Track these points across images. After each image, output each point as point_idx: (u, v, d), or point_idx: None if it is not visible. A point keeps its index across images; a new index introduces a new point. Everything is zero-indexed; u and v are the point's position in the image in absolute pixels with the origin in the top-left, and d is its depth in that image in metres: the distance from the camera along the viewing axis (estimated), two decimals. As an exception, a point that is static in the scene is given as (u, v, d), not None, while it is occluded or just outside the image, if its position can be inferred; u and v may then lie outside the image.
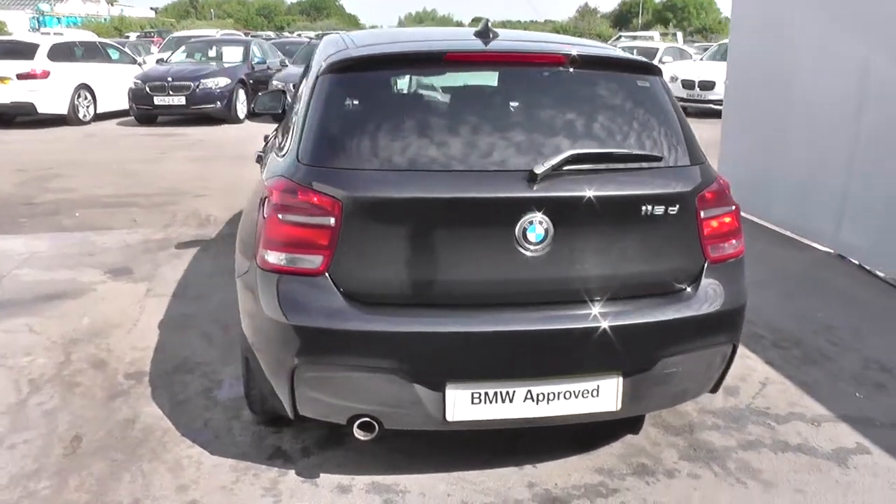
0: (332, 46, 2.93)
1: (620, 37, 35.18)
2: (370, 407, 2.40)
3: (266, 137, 4.52)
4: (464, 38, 2.84)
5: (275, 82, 12.90)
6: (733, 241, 2.61)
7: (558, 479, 2.71)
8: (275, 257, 2.39)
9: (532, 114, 2.53)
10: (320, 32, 38.59)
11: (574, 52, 2.58)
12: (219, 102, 12.48)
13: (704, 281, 2.55)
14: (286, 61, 14.92)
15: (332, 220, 2.30)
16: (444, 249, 2.35)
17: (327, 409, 2.46)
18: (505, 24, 79.97)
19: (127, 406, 3.19)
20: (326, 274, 2.34)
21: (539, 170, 2.32)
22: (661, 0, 79.87)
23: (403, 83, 2.57)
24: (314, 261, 2.34)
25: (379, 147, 2.42)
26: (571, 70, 2.57)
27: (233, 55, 13.77)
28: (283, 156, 2.67)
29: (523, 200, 2.32)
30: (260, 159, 4.38)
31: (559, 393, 2.39)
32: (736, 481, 2.73)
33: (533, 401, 2.39)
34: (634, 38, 33.27)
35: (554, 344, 2.37)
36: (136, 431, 2.99)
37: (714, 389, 2.75)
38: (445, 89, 2.55)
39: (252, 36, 24.01)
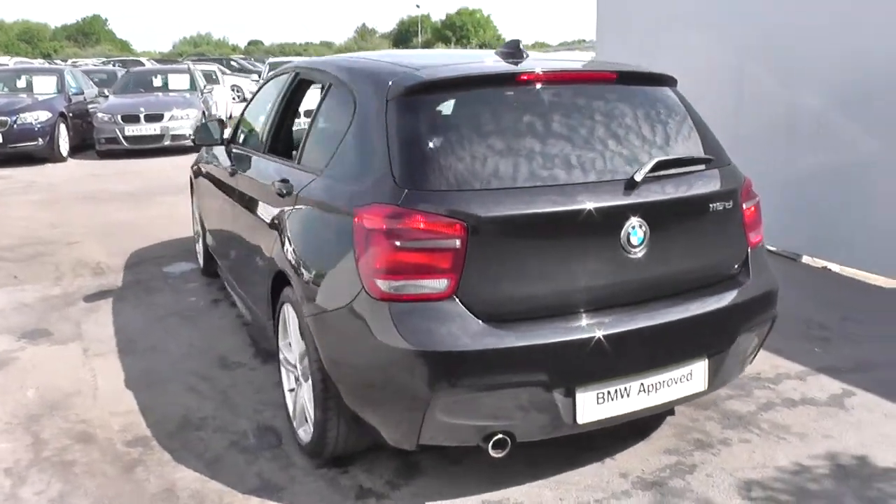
0: (372, 71, 2.87)
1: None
2: (506, 422, 2.38)
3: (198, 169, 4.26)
4: (501, 59, 2.88)
5: (100, 115, 11.87)
6: (759, 228, 2.91)
7: (641, 465, 2.84)
8: (395, 285, 2.30)
9: (602, 127, 2.64)
10: (109, 59, 35.68)
11: (616, 70, 2.77)
12: (41, 139, 11.16)
13: (752, 264, 2.82)
14: (105, 91, 13.76)
15: (458, 242, 2.27)
16: (561, 260, 2.41)
17: (459, 432, 2.40)
18: (283, 48, 79.14)
19: (154, 476, 2.87)
20: (454, 296, 2.29)
21: (638, 177, 2.46)
22: (440, 19, 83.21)
23: (484, 103, 2.56)
24: (441, 284, 2.29)
25: (486, 166, 2.42)
26: (620, 85, 2.74)
27: (46, 86, 12.42)
28: (345, 181, 2.59)
29: (627, 207, 2.46)
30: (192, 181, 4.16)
31: (664, 381, 2.53)
32: (778, 438, 3.03)
33: (645, 392, 2.50)
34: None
35: (660, 337, 2.50)
36: (187, 499, 2.71)
37: (754, 358, 3.03)
38: (524, 108, 2.59)
39: (51, 63, 21.74)
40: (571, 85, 2.69)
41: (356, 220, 2.39)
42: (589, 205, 2.41)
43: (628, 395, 2.47)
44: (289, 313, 2.91)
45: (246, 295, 3.74)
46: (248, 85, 24.61)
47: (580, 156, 2.53)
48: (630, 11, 6.95)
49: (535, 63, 2.77)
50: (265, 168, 3.48)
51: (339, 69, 3.06)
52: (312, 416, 2.74)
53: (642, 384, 2.49)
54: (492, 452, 2.42)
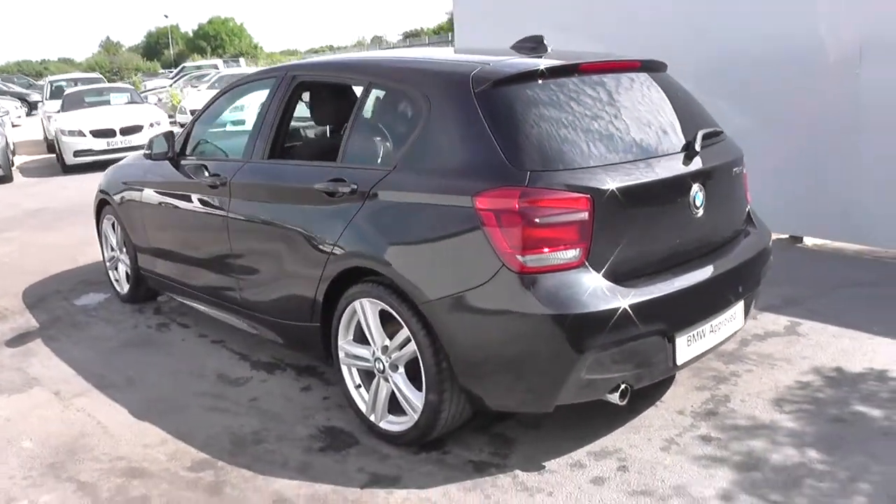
0: (437, 69, 3.02)
1: (184, 67, 34.53)
2: (630, 372, 2.68)
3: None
4: (526, 54, 3.16)
5: None
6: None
7: (686, 402, 3.27)
8: (535, 259, 2.51)
9: (647, 107, 3.02)
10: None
11: (639, 59, 3.18)
12: None
13: (753, 218, 3.40)
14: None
15: (586, 215, 2.54)
16: (656, 222, 2.81)
17: (592, 387, 2.65)
18: (21, 65, 71.08)
19: (251, 490, 2.79)
20: (586, 263, 2.56)
21: (698, 148, 2.89)
22: (192, 29, 79.61)
23: (559, 92, 2.81)
24: (575, 254, 2.54)
25: (583, 146, 2.69)
26: (643, 73, 3.16)
27: None
28: (439, 172, 2.74)
29: (694, 173, 2.90)
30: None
31: (722, 321, 2.98)
32: (771, 365, 3.61)
33: (713, 332, 2.94)
34: (199, 67, 33.00)
35: (722, 283, 2.96)
36: (305, 502, 2.70)
37: None
38: (590, 94, 2.88)
39: None
40: (615, 73, 3.04)
41: (480, 204, 2.56)
42: (672, 173, 2.82)
43: (703, 336, 2.89)
44: (366, 308, 2.97)
45: (260, 308, 3.64)
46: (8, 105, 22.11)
47: (645, 132, 2.91)
48: (486, 9, 7.47)
49: (571, 55, 3.09)
50: (285, 173, 3.44)
51: (387, 70, 3.16)
52: (418, 402, 2.84)
53: (711, 325, 2.92)
54: (619, 401, 2.71)
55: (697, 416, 3.16)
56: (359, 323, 3.06)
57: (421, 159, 2.84)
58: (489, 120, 2.67)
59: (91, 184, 10.39)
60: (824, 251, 5.46)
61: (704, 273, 2.90)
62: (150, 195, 4.40)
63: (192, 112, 15.81)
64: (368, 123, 3.23)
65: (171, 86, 26.58)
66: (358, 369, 3.15)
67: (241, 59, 45.23)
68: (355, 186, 2.98)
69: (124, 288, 5.01)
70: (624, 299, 2.58)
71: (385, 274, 2.84)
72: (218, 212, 3.76)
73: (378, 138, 3.15)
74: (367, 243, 2.92)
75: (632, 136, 2.88)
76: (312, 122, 4.21)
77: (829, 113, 5.15)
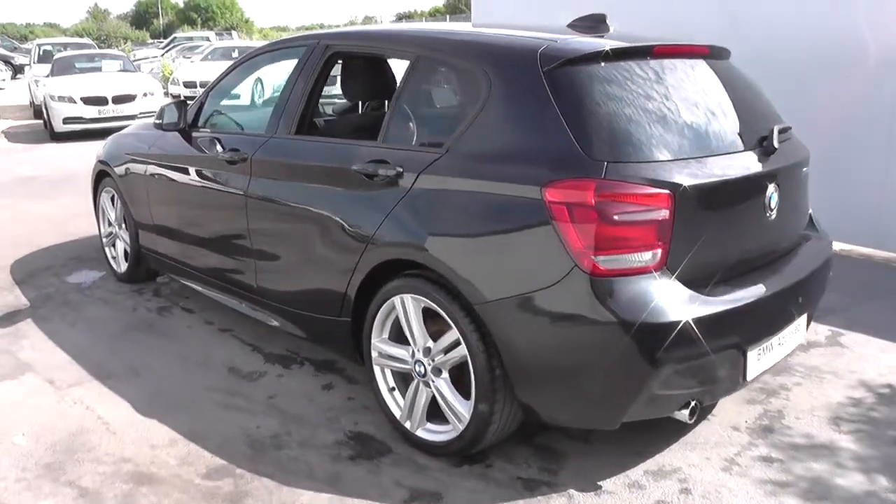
0: (499, 44, 2.71)
1: (175, 38, 33.78)
2: (703, 388, 2.43)
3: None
4: (584, 33, 2.86)
5: None
6: None
7: (739, 417, 3.02)
8: (611, 260, 2.24)
9: (720, 97, 2.74)
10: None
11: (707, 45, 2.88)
12: None
13: (816, 224, 3.14)
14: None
15: (667, 213, 2.27)
16: (733, 223, 2.55)
17: (662, 404, 2.40)
18: (5, 28, 69.60)
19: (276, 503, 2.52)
20: (665, 266, 2.29)
21: (777, 145, 2.62)
22: (184, 1, 78.33)
23: (632, 75, 2.52)
24: (653, 256, 2.28)
25: (660, 137, 2.43)
26: (712, 59, 2.87)
27: None
28: (500, 157, 2.45)
29: (770, 173, 2.64)
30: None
31: (787, 335, 2.72)
32: (819, 378, 3.37)
33: (780, 345, 2.68)
34: (191, 39, 32.30)
35: (793, 291, 2.70)
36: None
37: None
38: (664, 80, 2.61)
39: None
40: (685, 59, 2.75)
41: (551, 196, 2.28)
42: (750, 171, 2.56)
43: (771, 350, 2.63)
44: (407, 305, 2.68)
45: (279, 298, 3.34)
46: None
47: (721, 125, 2.65)
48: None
49: (635, 37, 2.80)
50: (316, 151, 3.12)
51: (441, 43, 2.82)
52: (464, 411, 2.57)
53: (779, 338, 2.66)
54: (687, 420, 2.45)
55: (754, 433, 2.91)
56: (396, 320, 2.78)
57: (479, 143, 2.54)
58: (560, 102, 2.39)
59: (82, 152, 10.09)
60: (852, 257, 5.23)
61: (777, 281, 2.65)
62: (156, 169, 4.07)
63: (186, 84, 15.44)
64: (416, 101, 2.92)
65: (161, 56, 25.96)
66: (393, 371, 2.86)
67: (234, 32, 44.43)
68: (400, 169, 2.67)
69: (122, 266, 4.68)
70: (704, 308, 2.32)
71: (433, 268, 2.56)
72: (235, 190, 3.44)
73: (427, 118, 2.85)
74: (412, 233, 2.63)
75: (708, 129, 2.62)
76: (343, 97, 3.90)
77: (863, 115, 4.89)
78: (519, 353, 2.41)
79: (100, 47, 26.62)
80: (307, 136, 3.25)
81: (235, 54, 17.42)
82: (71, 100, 11.47)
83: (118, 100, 11.68)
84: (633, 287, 2.26)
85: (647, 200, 2.27)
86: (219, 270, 3.74)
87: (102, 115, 11.54)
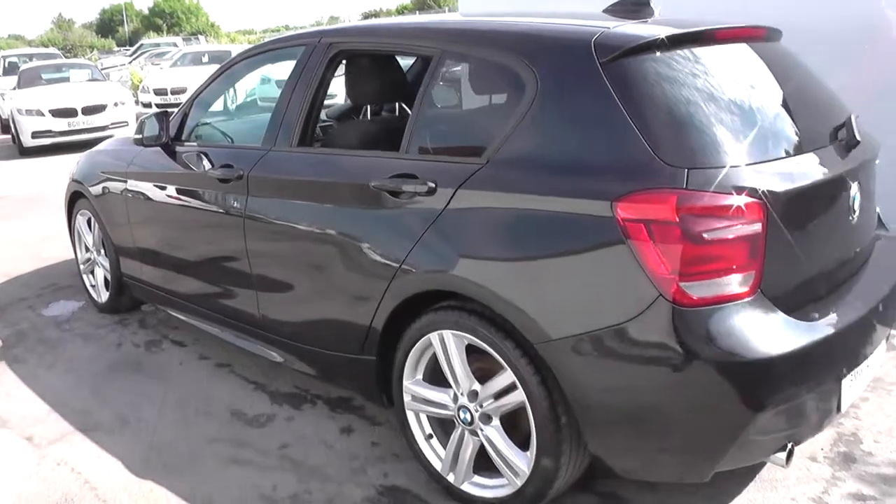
0: (542, 33, 2.32)
1: (142, 44, 33.07)
2: (800, 427, 2.07)
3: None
4: (623, 17, 2.48)
5: None
6: None
7: (814, 446, 2.68)
8: (700, 286, 1.87)
9: (787, 85, 2.38)
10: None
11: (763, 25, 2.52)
12: None
13: (884, 221, 2.79)
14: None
15: (759, 226, 1.92)
16: (822, 232, 2.20)
17: (758, 449, 2.04)
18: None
19: None
20: (760, 290, 1.94)
21: (859, 138, 2.29)
22: (148, 6, 77.39)
23: (699, 65, 2.17)
24: (746, 279, 1.92)
25: (739, 136, 2.07)
26: (770, 43, 2.51)
27: None
28: (555, 166, 2.08)
29: (853, 170, 2.31)
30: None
31: (870, 359, 2.36)
32: (885, 391, 3.04)
33: (868, 367, 2.32)
34: (157, 45, 31.64)
35: (883, 307, 2.35)
36: None
37: None
38: (729, 68, 2.26)
39: None
40: (744, 43, 2.39)
41: (625, 211, 1.90)
42: (836, 170, 2.22)
43: (861, 374, 2.28)
44: (448, 343, 2.30)
45: (287, 332, 2.94)
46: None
47: (795, 118, 2.29)
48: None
49: (685, 21, 2.43)
50: (325, 165, 2.72)
51: (471, 35, 2.43)
52: (523, 465, 2.19)
53: (867, 363, 2.31)
54: (783, 465, 2.09)
55: (835, 464, 2.57)
56: (432, 359, 2.40)
57: (527, 151, 2.16)
58: (624, 99, 2.01)
59: (54, 168, 9.56)
60: None
61: (866, 295, 2.31)
62: (137, 188, 3.63)
63: (156, 91, 14.91)
64: (443, 104, 2.55)
65: (129, 63, 25.31)
66: (429, 416, 2.48)
67: (202, 37, 43.64)
68: (432, 185, 2.28)
69: (102, 296, 4.24)
70: (806, 337, 1.97)
71: (480, 300, 2.17)
72: (230, 211, 3.03)
73: (459, 123, 2.47)
74: (452, 260, 2.24)
75: (786, 123, 2.28)
76: (349, 103, 3.51)
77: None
78: (591, 400, 2.04)
79: (66, 57, 25.91)
80: (312, 149, 2.86)
81: (205, 59, 16.96)
82: (39, 113, 10.93)
83: (88, 111, 11.16)
84: (726, 317, 1.89)
85: (739, 212, 1.90)
86: (213, 301, 3.33)
87: (73, 128, 11.01)
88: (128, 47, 44.61)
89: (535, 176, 2.11)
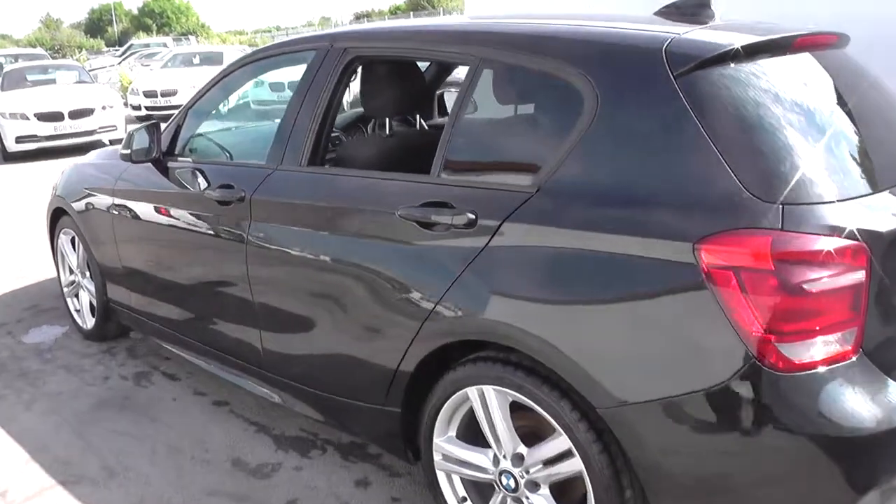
0: (603, 40, 1.99)
1: (131, 45, 32.57)
2: None
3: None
4: (677, 21, 2.16)
5: None
6: None
7: None
8: (804, 347, 1.57)
9: (868, 99, 2.05)
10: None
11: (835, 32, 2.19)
12: None
13: None
14: None
15: (863, 274, 1.61)
16: None
17: None
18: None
19: None
20: (861, 349, 1.63)
21: None
22: (137, 6, 76.90)
23: (780, 79, 1.86)
24: (850, 336, 1.61)
25: (837, 163, 1.79)
26: (840, 50, 2.18)
27: None
28: (622, 199, 1.76)
29: None
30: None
31: None
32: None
33: None
34: (147, 45, 31.17)
35: None
36: None
37: None
38: (810, 83, 1.94)
39: None
40: (819, 51, 2.06)
41: (710, 256, 1.59)
42: None
43: None
44: (489, 399, 1.98)
45: (295, 374, 2.62)
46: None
47: (884, 143, 1.97)
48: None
49: (754, 27, 2.11)
50: (342, 189, 2.39)
51: (515, 40, 2.09)
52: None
53: None
54: None
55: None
56: (469, 413, 2.08)
57: (585, 178, 1.84)
58: (704, 119, 1.70)
59: (38, 174, 9.16)
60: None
61: None
62: (125, 207, 3.29)
63: (146, 93, 14.49)
64: (483, 120, 2.21)
65: (118, 64, 24.85)
66: (463, 478, 2.16)
67: (192, 37, 43.13)
68: (472, 216, 1.96)
69: (88, 322, 3.89)
70: None
71: (530, 354, 1.86)
72: (230, 237, 2.70)
73: (502, 143, 2.13)
74: (497, 304, 1.91)
75: (874, 149, 1.95)
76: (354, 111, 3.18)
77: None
78: (664, 474, 1.72)
79: (53, 58, 25.42)
80: (325, 169, 2.53)
81: (197, 60, 16.54)
82: (24, 116, 10.52)
83: (75, 114, 10.75)
84: (828, 383, 1.58)
85: (842, 258, 1.59)
86: (209, 335, 2.99)
87: (59, 132, 10.61)
88: (117, 48, 44.09)
89: (597, 209, 1.79)
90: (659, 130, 1.76)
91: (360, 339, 2.31)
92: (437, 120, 3.47)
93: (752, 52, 1.85)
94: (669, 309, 1.66)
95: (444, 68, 3.48)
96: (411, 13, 42.47)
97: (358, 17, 55.67)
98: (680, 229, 1.65)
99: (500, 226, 1.91)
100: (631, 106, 1.81)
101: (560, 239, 1.81)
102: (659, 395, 1.67)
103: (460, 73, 3.70)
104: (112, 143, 10.93)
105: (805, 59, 2.00)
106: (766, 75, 1.85)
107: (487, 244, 1.93)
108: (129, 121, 12.13)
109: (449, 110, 3.15)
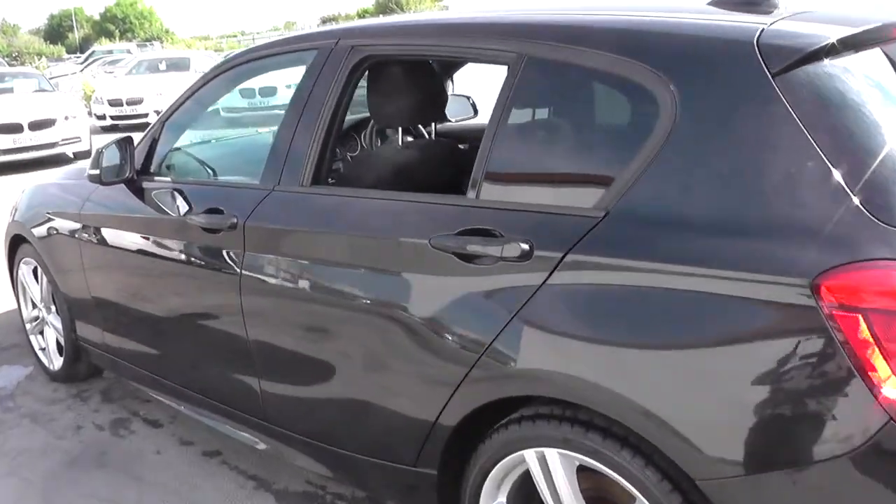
0: (679, 33, 1.65)
1: (94, 51, 31.81)
2: None
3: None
4: (733, 11, 1.82)
5: None
6: None
7: None
8: None
9: None
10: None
11: None
12: None
13: None
14: None
15: None
16: None
17: None
18: None
19: None
20: None
21: None
22: (100, 12, 75.64)
23: (875, 76, 1.55)
24: None
25: None
26: None
27: None
28: (714, 226, 1.43)
29: None
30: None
31: None
32: None
33: None
34: (111, 52, 30.47)
35: None
36: None
37: None
38: (889, 81, 1.63)
39: None
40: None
41: (831, 295, 1.28)
42: None
43: None
44: (551, 464, 1.64)
45: (303, 428, 2.24)
46: None
47: None
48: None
49: (825, 15, 1.79)
50: (356, 213, 2.02)
51: (569, 32, 1.74)
52: None
53: None
54: None
55: None
56: (523, 475, 1.73)
57: (665, 200, 1.50)
58: (812, 129, 1.39)
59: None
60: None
61: None
62: (94, 233, 2.89)
63: (111, 102, 13.92)
64: (533, 130, 1.84)
65: (80, 71, 24.14)
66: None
67: (157, 43, 42.31)
68: (526, 246, 1.60)
69: (55, 362, 3.47)
70: None
71: (607, 414, 1.52)
72: (221, 270, 2.32)
73: (558, 158, 1.77)
74: (563, 354, 1.57)
75: None
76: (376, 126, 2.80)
77: None
78: None
79: (11, 65, 24.63)
80: (332, 189, 2.16)
81: (163, 66, 15.99)
82: (-21, 130, 9.96)
83: (35, 126, 10.17)
84: None
85: None
86: (199, 380, 2.61)
87: (18, 145, 10.03)
88: (79, 54, 43.16)
89: (682, 239, 1.45)
90: (756, 141, 1.44)
91: (385, 391, 1.95)
92: (446, 125, 3.11)
93: (850, 45, 1.53)
94: (781, 359, 1.33)
95: (446, 67, 3.12)
96: (380, 16, 42.05)
97: (325, 21, 55.07)
98: (790, 263, 1.33)
99: (562, 258, 1.56)
100: (718, 111, 1.49)
101: (638, 276, 1.47)
102: (770, 466, 1.35)
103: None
104: (76, 155, 10.44)
105: (869, 53, 1.67)
106: (866, 72, 1.55)
107: (546, 280, 1.58)
108: (93, 131, 11.57)
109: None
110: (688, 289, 1.42)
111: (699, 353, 1.42)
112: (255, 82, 10.19)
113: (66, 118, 10.53)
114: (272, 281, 2.16)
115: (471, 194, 1.76)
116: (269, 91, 10.89)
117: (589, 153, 1.70)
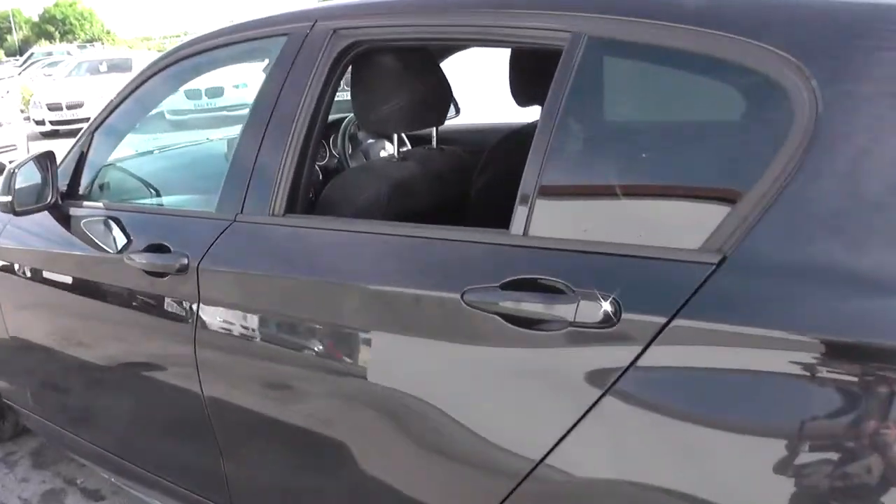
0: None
1: (32, 54, 30.47)
2: None
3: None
4: None
5: None
6: None
7: None
8: None
9: None
10: None
11: None
12: None
13: None
14: None
15: None
16: None
17: None
18: None
19: None
20: None
21: None
22: (38, 13, 73.44)
23: None
24: None
25: None
26: None
27: None
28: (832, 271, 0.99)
29: None
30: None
31: None
32: None
33: None
34: (50, 54, 29.23)
35: None
36: None
37: None
38: None
39: None
40: None
41: None
42: None
43: None
44: None
45: None
46: None
47: None
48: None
49: None
50: (351, 256, 1.52)
51: (647, 5, 1.25)
52: None
53: None
54: None
55: None
56: None
57: (813, 243, 1.04)
58: None
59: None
60: None
61: None
62: (10, 274, 2.33)
63: (50, 106, 13.08)
64: (603, 139, 1.32)
65: (19, 75, 23.02)
66: None
67: (98, 44, 40.90)
68: (611, 308, 1.12)
69: (-33, 420, 2.89)
70: None
71: None
72: (169, 322, 1.80)
73: (642, 178, 1.26)
74: (665, 471, 1.10)
75: None
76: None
77: None
78: None
79: (-57, 71, 23.30)
80: (315, 220, 1.66)
81: (104, 68, 15.19)
82: None
83: (-35, 136, 9.39)
84: None
85: None
86: (145, 453, 2.09)
87: (-53, 156, 9.23)
88: (17, 57, 41.51)
89: (845, 296, 0.99)
90: None
91: (393, 494, 1.45)
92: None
93: None
94: None
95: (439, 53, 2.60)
96: None
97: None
98: None
99: (664, 327, 1.08)
100: (878, 115, 1.03)
101: (775, 356, 1.00)
102: None
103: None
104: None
105: None
106: None
107: (639, 358, 1.10)
108: (32, 137, 10.80)
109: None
110: (849, 381, 0.96)
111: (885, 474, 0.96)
112: (201, 82, 9.51)
113: (1, 124, 9.73)
114: (237, 344, 1.65)
115: (516, 228, 1.27)
116: (217, 92, 10.23)
117: (686, 172, 1.21)
